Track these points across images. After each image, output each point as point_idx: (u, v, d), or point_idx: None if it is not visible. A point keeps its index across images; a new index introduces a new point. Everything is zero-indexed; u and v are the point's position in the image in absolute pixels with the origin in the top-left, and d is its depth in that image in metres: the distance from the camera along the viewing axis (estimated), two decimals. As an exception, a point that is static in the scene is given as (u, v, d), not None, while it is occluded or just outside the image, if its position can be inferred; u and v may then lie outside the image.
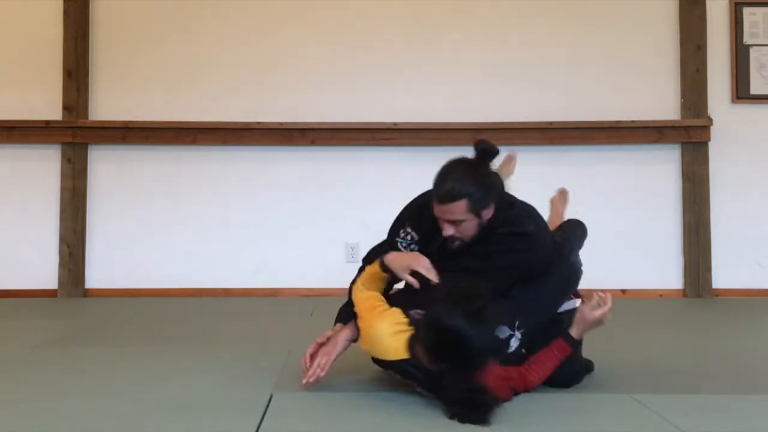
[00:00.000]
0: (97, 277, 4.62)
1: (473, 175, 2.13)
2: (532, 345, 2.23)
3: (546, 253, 2.27)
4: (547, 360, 2.16)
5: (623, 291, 4.55)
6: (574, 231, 2.65)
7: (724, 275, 4.60)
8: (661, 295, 4.58)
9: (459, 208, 2.10)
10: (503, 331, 2.17)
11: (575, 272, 2.43)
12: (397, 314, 2.08)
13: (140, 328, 3.47)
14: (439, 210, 2.14)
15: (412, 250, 2.26)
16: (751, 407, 2.06)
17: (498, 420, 1.87)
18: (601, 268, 4.82)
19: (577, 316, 2.21)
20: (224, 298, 4.50)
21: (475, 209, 2.11)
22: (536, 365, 2.16)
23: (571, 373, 2.25)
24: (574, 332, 2.19)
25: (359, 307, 2.16)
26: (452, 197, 2.09)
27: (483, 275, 2.08)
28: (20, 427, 1.86)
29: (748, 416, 1.98)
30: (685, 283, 4.60)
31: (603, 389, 2.23)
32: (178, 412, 1.98)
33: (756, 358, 2.76)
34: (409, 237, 2.29)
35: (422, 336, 1.94)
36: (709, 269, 4.59)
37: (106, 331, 3.42)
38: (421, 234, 2.27)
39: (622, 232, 4.59)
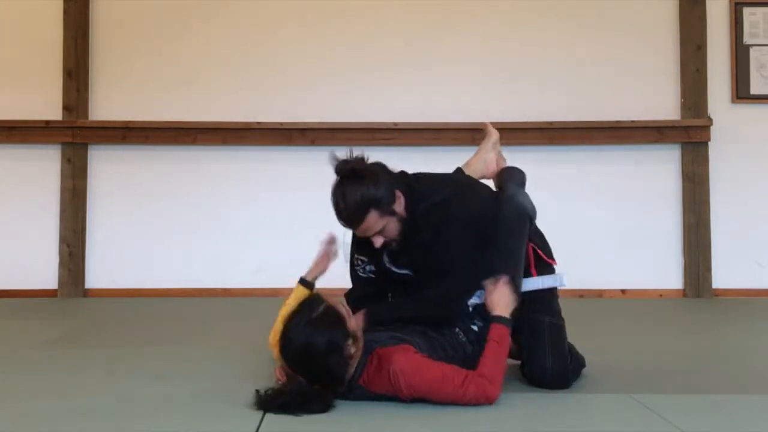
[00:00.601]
0: (97, 277, 4.62)
1: (360, 184, 2.11)
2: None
3: (480, 203, 2.26)
4: (491, 351, 2.05)
5: (623, 291, 4.55)
6: (511, 175, 2.53)
7: (724, 275, 4.59)
8: (661, 295, 4.58)
9: (372, 220, 2.10)
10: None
11: (522, 210, 2.28)
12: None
13: (140, 328, 3.47)
14: (359, 232, 2.16)
15: (369, 273, 2.32)
16: (751, 407, 2.06)
17: (498, 420, 1.87)
18: (601, 268, 4.83)
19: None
20: (224, 298, 4.50)
21: (386, 210, 2.11)
22: (485, 359, 2.04)
23: (566, 371, 2.24)
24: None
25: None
26: (358, 216, 2.09)
27: (440, 260, 2.12)
28: (20, 427, 1.86)
29: (748, 416, 1.98)
30: (685, 283, 4.60)
31: (603, 389, 2.23)
32: (178, 412, 1.98)
33: (756, 358, 2.76)
34: (361, 262, 2.34)
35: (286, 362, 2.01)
36: (709, 269, 4.58)
37: (106, 331, 3.42)
38: (368, 255, 2.30)
39: (623, 232, 4.59)
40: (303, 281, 2.46)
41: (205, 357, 2.73)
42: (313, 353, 1.92)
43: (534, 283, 2.28)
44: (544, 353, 2.21)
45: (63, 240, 4.59)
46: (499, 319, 2.10)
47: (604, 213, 4.60)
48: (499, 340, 2.06)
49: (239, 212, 4.67)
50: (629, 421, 1.92)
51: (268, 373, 2.40)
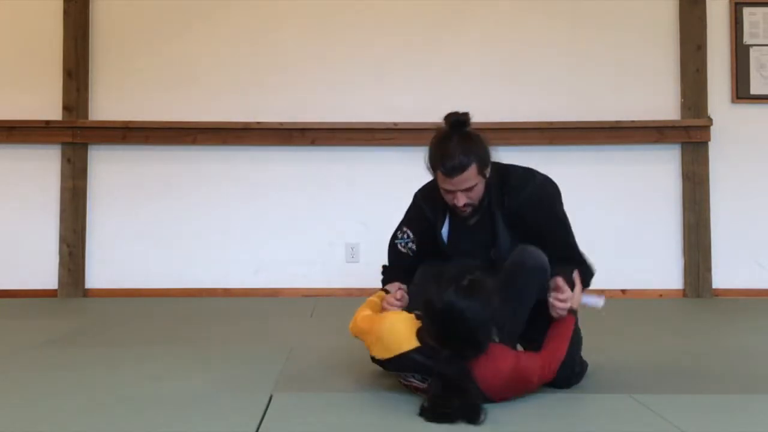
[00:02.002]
0: (97, 277, 4.63)
1: (467, 140, 2.19)
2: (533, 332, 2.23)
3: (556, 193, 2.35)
4: (559, 335, 2.17)
5: (623, 291, 4.55)
6: None
7: (724, 275, 4.60)
8: (661, 295, 4.58)
9: (471, 174, 2.17)
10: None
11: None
12: (400, 312, 2.12)
13: (140, 328, 3.47)
14: (450, 184, 2.18)
15: (410, 250, 2.37)
16: (751, 407, 2.06)
17: (498, 420, 1.87)
18: (601, 268, 4.83)
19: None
20: (224, 298, 4.50)
21: (482, 170, 2.19)
22: (554, 341, 2.16)
23: (571, 374, 2.25)
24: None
25: (361, 325, 2.15)
26: (462, 167, 2.15)
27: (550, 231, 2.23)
28: (20, 427, 1.86)
29: (748, 416, 1.98)
30: (685, 283, 4.60)
31: (603, 389, 2.23)
32: (178, 412, 1.98)
33: (756, 358, 2.76)
34: (405, 236, 2.39)
35: (424, 324, 1.96)
36: (709, 269, 4.59)
37: (106, 331, 3.42)
38: (421, 236, 2.35)
39: (623, 232, 4.60)
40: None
41: (205, 357, 2.73)
42: (469, 317, 1.89)
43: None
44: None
45: (63, 240, 4.59)
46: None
47: (604, 213, 4.60)
48: (567, 327, 2.18)
49: (239, 212, 4.67)
50: (629, 421, 1.92)
51: (268, 372, 2.41)
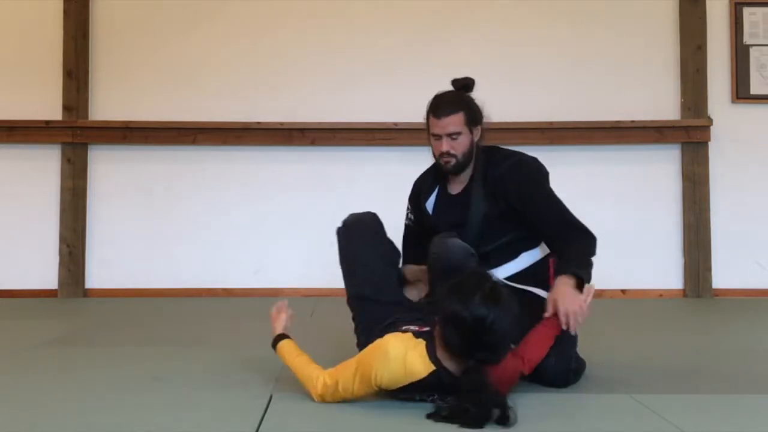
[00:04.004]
0: (97, 277, 4.62)
1: (464, 96, 2.42)
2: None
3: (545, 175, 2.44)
4: (540, 338, 2.14)
5: (623, 291, 4.55)
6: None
7: (724, 275, 4.60)
8: (661, 295, 4.58)
9: (457, 119, 2.35)
10: None
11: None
12: (394, 336, 1.96)
13: (140, 328, 3.47)
14: (437, 126, 2.36)
15: (410, 220, 2.60)
16: (751, 407, 2.06)
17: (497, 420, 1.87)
18: (601, 268, 4.82)
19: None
20: (224, 298, 4.50)
21: (470, 122, 2.36)
22: (532, 345, 2.11)
23: (567, 372, 2.24)
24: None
25: (330, 383, 1.98)
26: (450, 110, 2.36)
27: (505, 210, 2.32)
28: (20, 427, 1.86)
29: (748, 416, 1.98)
30: (685, 283, 4.60)
31: (603, 389, 2.23)
32: (177, 413, 1.98)
33: (756, 358, 2.76)
34: (408, 210, 2.62)
35: (445, 337, 1.85)
36: (709, 269, 4.59)
37: (106, 331, 3.42)
38: (415, 209, 2.55)
39: (623, 232, 4.59)
40: (282, 336, 2.21)
41: (205, 357, 2.73)
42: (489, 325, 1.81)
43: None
44: (548, 354, 2.19)
45: (63, 240, 4.59)
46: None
47: (604, 213, 4.58)
48: (551, 333, 2.15)
49: (239, 212, 4.67)
50: (629, 421, 1.92)
51: (268, 372, 2.40)
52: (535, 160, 2.45)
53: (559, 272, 2.27)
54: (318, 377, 2.00)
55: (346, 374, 1.96)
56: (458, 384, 1.85)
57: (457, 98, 2.39)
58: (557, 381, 2.22)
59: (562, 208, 2.40)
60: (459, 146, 2.36)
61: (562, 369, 2.22)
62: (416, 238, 2.51)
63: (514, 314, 1.87)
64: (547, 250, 2.43)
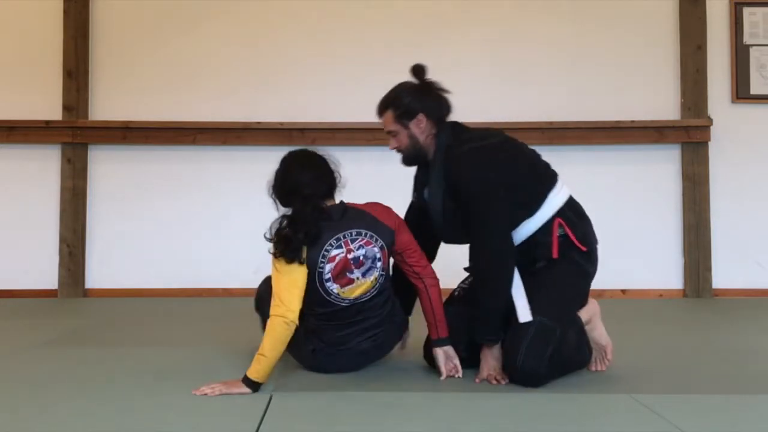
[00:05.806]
0: (97, 277, 4.62)
1: (398, 90, 2.37)
2: None
3: (521, 162, 2.46)
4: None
5: (623, 291, 4.55)
6: None
7: (724, 275, 4.60)
8: (661, 295, 4.58)
9: (387, 119, 2.37)
10: None
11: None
12: None
13: (140, 328, 3.47)
14: (382, 124, 2.41)
15: (413, 199, 2.60)
16: (751, 407, 2.06)
17: (498, 420, 1.87)
18: (601, 268, 4.83)
19: None
20: (224, 298, 4.50)
21: (400, 119, 2.34)
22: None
23: (534, 372, 2.18)
24: None
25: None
26: (379, 110, 2.40)
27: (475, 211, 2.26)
28: (20, 427, 1.86)
29: (748, 416, 1.98)
30: (685, 283, 4.60)
31: (603, 389, 2.23)
32: (178, 412, 1.98)
33: (756, 358, 2.76)
34: (413, 194, 2.62)
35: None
36: (709, 269, 4.59)
37: (106, 331, 3.42)
38: (415, 185, 2.57)
39: (622, 232, 4.59)
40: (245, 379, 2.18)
41: (206, 357, 2.73)
42: None
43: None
44: (517, 352, 2.18)
45: (63, 240, 4.59)
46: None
47: (604, 213, 4.55)
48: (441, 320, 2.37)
49: (239, 212, 4.67)
50: (629, 421, 1.92)
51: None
52: (490, 150, 2.32)
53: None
54: (271, 321, 2.20)
55: (275, 289, 2.26)
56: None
57: (387, 96, 2.39)
58: (528, 382, 2.19)
59: (482, 219, 2.25)
60: (398, 142, 2.39)
61: (530, 369, 2.17)
62: (416, 212, 2.55)
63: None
64: (551, 212, 2.38)
